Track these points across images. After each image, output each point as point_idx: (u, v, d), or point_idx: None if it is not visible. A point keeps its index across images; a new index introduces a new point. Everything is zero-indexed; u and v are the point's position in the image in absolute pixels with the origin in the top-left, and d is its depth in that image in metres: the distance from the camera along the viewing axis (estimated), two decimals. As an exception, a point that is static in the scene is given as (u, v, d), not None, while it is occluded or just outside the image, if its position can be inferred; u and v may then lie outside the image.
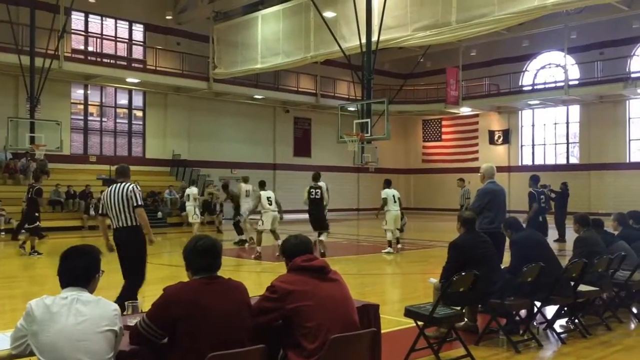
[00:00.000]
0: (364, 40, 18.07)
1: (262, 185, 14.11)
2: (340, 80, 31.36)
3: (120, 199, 6.42)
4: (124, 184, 6.55)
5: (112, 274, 9.63)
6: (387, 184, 14.36)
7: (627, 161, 28.63)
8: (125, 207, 6.41)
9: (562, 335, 6.11)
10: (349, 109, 20.76)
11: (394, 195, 14.09)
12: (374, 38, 17.96)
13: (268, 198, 13.45)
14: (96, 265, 2.98)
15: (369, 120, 17.58)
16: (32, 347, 2.69)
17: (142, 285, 6.48)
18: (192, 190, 17.20)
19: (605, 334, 6.32)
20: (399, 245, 14.43)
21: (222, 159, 27.96)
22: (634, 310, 7.23)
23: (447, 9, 16.98)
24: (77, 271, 2.89)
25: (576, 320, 6.38)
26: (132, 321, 3.22)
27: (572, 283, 6.24)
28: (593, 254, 6.41)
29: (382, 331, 4.16)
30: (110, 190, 6.54)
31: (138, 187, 6.67)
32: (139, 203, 6.49)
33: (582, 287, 6.27)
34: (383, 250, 14.13)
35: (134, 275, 6.48)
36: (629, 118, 28.85)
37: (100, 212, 6.75)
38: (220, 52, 25.24)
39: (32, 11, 20.82)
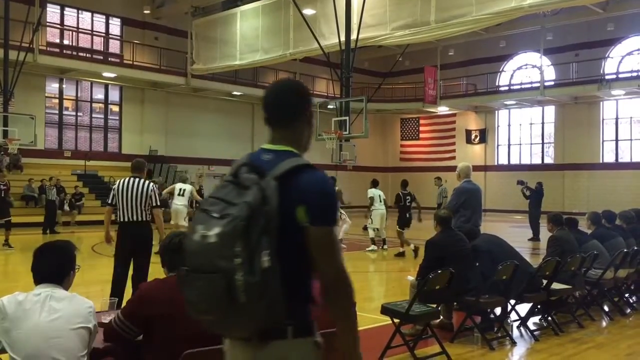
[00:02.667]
0: (343, 39, 18.09)
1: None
2: (319, 78, 31.35)
3: (140, 194, 6.50)
4: (142, 179, 6.65)
5: (88, 271, 9.53)
6: (374, 184, 14.51)
7: (601, 162, 29.09)
8: (143, 203, 6.52)
9: (535, 333, 6.21)
10: (327, 106, 20.77)
11: (379, 195, 14.20)
12: (353, 36, 17.99)
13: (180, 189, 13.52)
14: (71, 262, 2.94)
15: (347, 118, 17.61)
16: (3, 344, 2.65)
17: (146, 279, 6.48)
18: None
19: (577, 331, 6.42)
20: (385, 247, 14.36)
21: (200, 155, 27.77)
22: (606, 308, 7.37)
23: (425, 8, 17.07)
24: (51, 267, 2.85)
25: (549, 318, 6.48)
26: (107, 318, 3.19)
27: (545, 281, 6.34)
28: (566, 253, 6.51)
29: (359, 328, 4.18)
30: (127, 184, 6.56)
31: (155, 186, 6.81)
32: (159, 204, 6.75)
33: (555, 285, 6.37)
34: (367, 248, 14.12)
35: (141, 269, 6.56)
36: (603, 119, 29.31)
37: (110, 202, 6.72)
38: (198, 48, 25.06)
39: (6, 3, 20.43)
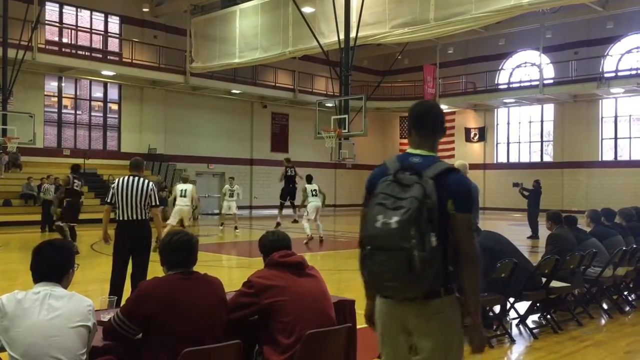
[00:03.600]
0: (342, 37, 18.08)
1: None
2: (318, 76, 31.33)
3: (139, 193, 6.50)
4: (141, 178, 6.63)
5: (87, 269, 9.53)
6: None
7: (600, 160, 29.10)
8: (143, 202, 6.51)
9: (535, 331, 6.21)
10: (326, 105, 20.77)
11: None
12: (352, 34, 17.98)
13: (182, 191, 13.69)
14: (70, 260, 2.94)
15: (346, 116, 17.61)
16: (2, 342, 2.65)
17: (145, 277, 6.48)
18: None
19: (576, 329, 6.43)
20: None
21: (199, 154, 27.77)
22: (604, 306, 7.38)
23: (425, 6, 17.07)
24: (50, 266, 2.84)
25: (548, 316, 6.48)
26: (106, 317, 3.19)
27: (544, 279, 6.34)
28: (565, 251, 6.51)
29: (358, 327, 4.18)
30: (127, 182, 6.54)
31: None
32: (157, 203, 6.75)
33: (554, 283, 6.38)
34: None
35: (140, 267, 6.56)
36: (602, 117, 29.31)
37: (109, 200, 6.68)
38: (197, 46, 25.04)
39: (5, 1, 20.41)
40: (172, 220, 13.55)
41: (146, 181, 6.63)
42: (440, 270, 2.45)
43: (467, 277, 2.53)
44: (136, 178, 6.60)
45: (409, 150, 2.71)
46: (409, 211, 2.40)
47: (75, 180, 12.32)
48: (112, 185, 6.70)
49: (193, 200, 13.89)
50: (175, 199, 13.91)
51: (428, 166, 2.56)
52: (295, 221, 16.84)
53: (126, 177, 6.61)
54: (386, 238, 2.42)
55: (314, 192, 15.24)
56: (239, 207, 21.62)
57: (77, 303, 2.78)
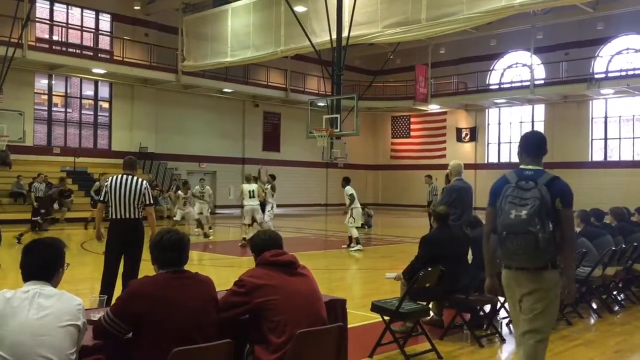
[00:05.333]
0: (334, 36, 18.08)
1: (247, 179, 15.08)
2: (310, 76, 31.31)
3: (133, 192, 6.49)
4: (135, 177, 6.63)
5: (77, 268, 9.48)
6: (348, 182, 14.24)
7: (589, 160, 29.28)
8: (137, 201, 6.51)
9: (525, 330, 6.22)
10: (318, 104, 20.76)
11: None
12: (344, 34, 17.98)
13: (250, 192, 14.29)
14: (60, 259, 2.92)
15: (338, 115, 17.62)
16: (-9, 342, 2.62)
17: (137, 276, 6.45)
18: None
19: (565, 328, 6.46)
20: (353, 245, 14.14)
21: (191, 153, 27.68)
22: (594, 305, 7.42)
23: (417, 6, 17.09)
24: (40, 264, 2.83)
25: (538, 315, 6.50)
26: (96, 316, 3.18)
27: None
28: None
29: (349, 326, 4.19)
30: (120, 181, 6.52)
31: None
32: (152, 202, 6.77)
33: (545, 283, 6.39)
34: (352, 249, 13.81)
35: (132, 266, 6.55)
36: (592, 118, 29.49)
37: (102, 199, 6.70)
38: (189, 45, 24.94)
39: (-6, -2, 20.28)
40: (246, 220, 14.33)
41: (140, 180, 6.61)
42: (552, 249, 3.54)
43: (567, 252, 3.68)
44: (130, 177, 6.58)
45: (522, 166, 3.85)
46: (534, 206, 3.52)
47: None
48: (106, 184, 6.68)
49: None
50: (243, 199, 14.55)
51: (539, 176, 3.67)
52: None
53: (119, 176, 6.59)
54: (519, 225, 3.53)
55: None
56: (225, 206, 21.56)
57: (67, 302, 2.77)
